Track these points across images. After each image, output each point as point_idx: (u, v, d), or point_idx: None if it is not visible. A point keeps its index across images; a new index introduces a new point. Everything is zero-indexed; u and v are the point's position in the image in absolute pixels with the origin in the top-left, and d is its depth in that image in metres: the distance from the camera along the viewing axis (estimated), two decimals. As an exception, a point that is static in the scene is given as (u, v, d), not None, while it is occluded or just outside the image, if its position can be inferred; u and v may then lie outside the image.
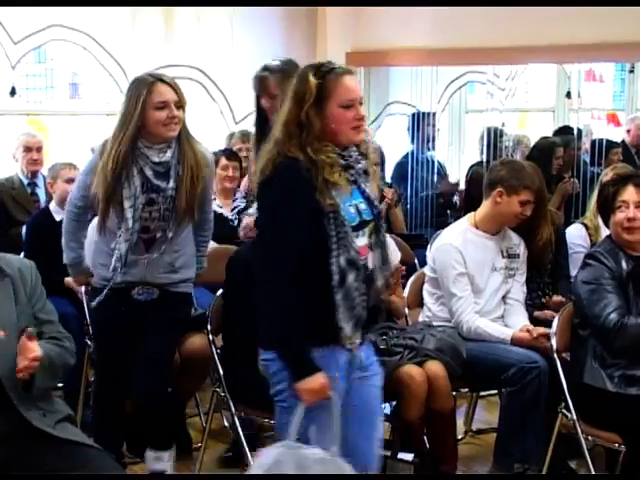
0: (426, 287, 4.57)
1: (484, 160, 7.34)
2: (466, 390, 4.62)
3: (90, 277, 4.05)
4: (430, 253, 4.60)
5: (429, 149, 7.20)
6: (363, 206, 3.14)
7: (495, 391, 4.80)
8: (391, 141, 7.58)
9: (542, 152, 6.51)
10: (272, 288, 3.00)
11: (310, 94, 3.01)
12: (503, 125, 7.81)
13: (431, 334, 4.23)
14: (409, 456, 4.27)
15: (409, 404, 4.01)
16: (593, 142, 7.02)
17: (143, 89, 3.66)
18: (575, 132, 7.09)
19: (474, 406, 5.07)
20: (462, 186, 7.06)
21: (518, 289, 4.46)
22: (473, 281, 4.40)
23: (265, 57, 6.62)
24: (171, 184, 3.71)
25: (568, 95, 7.59)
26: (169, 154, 3.73)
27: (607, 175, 4.85)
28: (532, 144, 7.15)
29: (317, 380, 2.96)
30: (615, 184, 3.98)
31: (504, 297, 4.49)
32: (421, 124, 7.11)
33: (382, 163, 6.33)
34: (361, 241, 3.10)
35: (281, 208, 2.99)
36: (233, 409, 4.02)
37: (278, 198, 3.00)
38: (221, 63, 6.89)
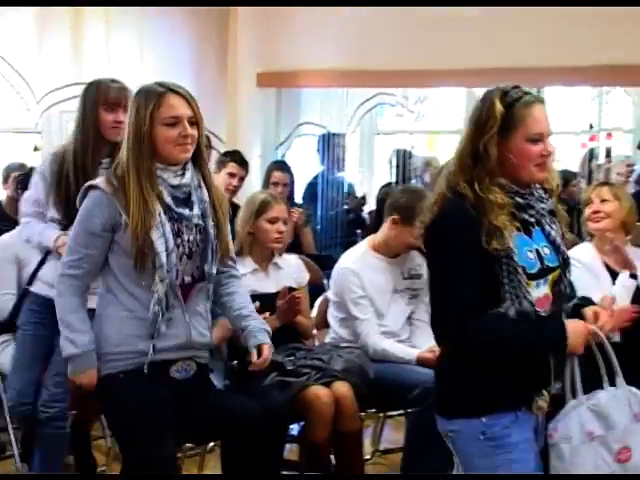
0: (330, 310, 4.62)
1: (393, 181, 7.49)
2: (373, 410, 4.65)
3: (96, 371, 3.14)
4: (332, 277, 4.65)
5: (339, 170, 7.29)
6: (547, 251, 2.82)
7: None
8: (301, 162, 7.66)
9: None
10: (466, 336, 2.67)
11: (494, 122, 2.69)
12: (412, 147, 7.96)
13: (338, 355, 4.27)
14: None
15: (316, 425, 4.03)
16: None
17: (151, 101, 3.05)
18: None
19: (382, 426, 5.14)
20: (372, 204, 7.21)
21: (423, 310, 4.48)
22: (374, 305, 4.44)
23: (175, 78, 6.65)
24: (196, 211, 3.09)
25: (476, 118, 7.80)
26: (188, 176, 3.12)
27: None
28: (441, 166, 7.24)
29: (576, 328, 2.69)
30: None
31: (410, 318, 4.55)
32: (330, 145, 7.20)
33: (292, 184, 6.42)
34: (541, 291, 2.78)
35: (449, 252, 2.71)
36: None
37: (445, 241, 2.73)
38: (130, 83, 6.84)
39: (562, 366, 2.92)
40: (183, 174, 3.08)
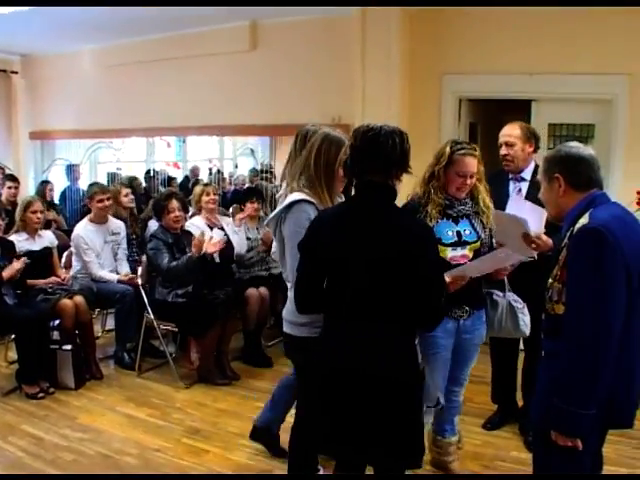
0: (73, 256, 6.89)
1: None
2: (98, 309, 7.26)
3: None
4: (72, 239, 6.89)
5: None
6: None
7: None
8: None
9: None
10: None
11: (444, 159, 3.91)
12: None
13: (77, 281, 6.62)
14: (69, 347, 6.22)
15: (66, 319, 6.18)
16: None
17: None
18: None
19: (104, 317, 7.72)
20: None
21: (122, 252, 6.92)
22: (94, 251, 6.71)
23: None
24: None
25: None
26: None
27: None
28: None
29: None
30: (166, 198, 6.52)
31: (115, 257, 6.91)
32: None
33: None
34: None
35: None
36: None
37: None
38: None
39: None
40: None
